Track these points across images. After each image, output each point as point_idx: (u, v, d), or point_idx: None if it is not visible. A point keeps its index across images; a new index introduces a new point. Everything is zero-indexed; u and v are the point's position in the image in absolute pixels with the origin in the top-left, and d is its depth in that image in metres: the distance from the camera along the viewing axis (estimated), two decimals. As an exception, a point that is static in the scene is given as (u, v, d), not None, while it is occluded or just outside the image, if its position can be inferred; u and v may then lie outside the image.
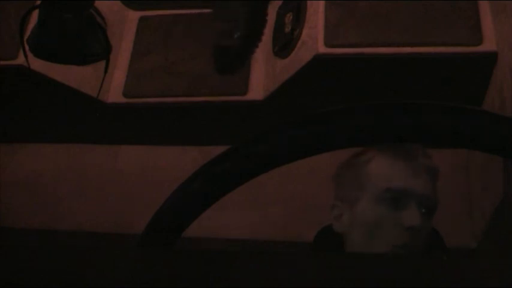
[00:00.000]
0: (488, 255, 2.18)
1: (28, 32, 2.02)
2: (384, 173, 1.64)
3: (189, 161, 2.70)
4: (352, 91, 2.44)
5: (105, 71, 2.02)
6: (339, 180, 1.73)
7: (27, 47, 1.97)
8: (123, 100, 2.72)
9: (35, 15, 2.09)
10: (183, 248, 0.57)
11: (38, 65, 2.30)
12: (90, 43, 1.92)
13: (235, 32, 2.64)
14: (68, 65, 2.09)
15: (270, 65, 2.65)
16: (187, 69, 2.72)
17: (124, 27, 2.87)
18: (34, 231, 2.73)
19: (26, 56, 2.02)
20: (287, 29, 2.61)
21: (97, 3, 2.02)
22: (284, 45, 2.59)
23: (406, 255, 1.47)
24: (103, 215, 2.74)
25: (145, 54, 2.79)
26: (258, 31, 2.71)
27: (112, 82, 2.72)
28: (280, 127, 0.71)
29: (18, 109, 2.72)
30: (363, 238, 1.62)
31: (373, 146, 1.68)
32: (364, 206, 1.63)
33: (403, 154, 1.63)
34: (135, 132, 2.84)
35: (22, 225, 2.74)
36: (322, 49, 2.40)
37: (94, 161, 2.85)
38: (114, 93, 2.72)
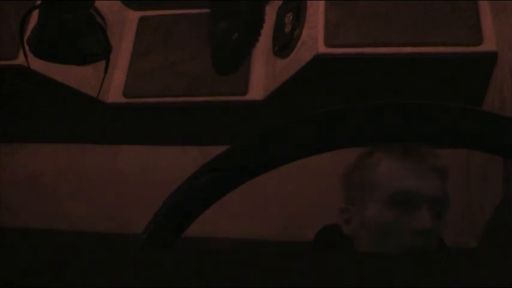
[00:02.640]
0: (488, 255, 2.18)
1: (28, 32, 2.02)
2: (393, 175, 1.61)
3: (189, 161, 2.70)
4: (352, 91, 2.44)
5: (105, 71, 2.02)
6: (348, 182, 1.70)
7: (27, 47, 1.97)
8: (123, 100, 2.72)
9: (35, 15, 2.09)
10: (183, 248, 0.57)
11: (38, 65, 2.30)
12: (90, 43, 1.92)
13: (232, 32, 2.64)
14: (68, 65, 2.09)
15: (270, 65, 2.65)
16: (187, 69, 2.72)
17: (124, 27, 2.87)
18: (34, 231, 2.73)
19: (26, 56, 2.02)
20: (287, 29, 2.61)
21: (97, 3, 2.02)
22: (284, 45, 2.59)
23: (405, 255, 1.47)
24: (103, 215, 2.74)
25: (145, 54, 2.79)
26: (255, 31, 2.71)
27: (112, 82, 2.72)
28: (278, 127, 0.71)
29: (18, 109, 2.72)
30: (374, 242, 1.60)
31: (380, 147, 1.66)
32: (374, 210, 1.60)
33: (411, 155, 1.61)
34: (135, 132, 2.84)
35: (22, 225, 2.74)
36: (322, 49, 2.40)
37: (94, 161, 2.85)
38: (114, 93, 2.72)
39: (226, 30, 2.66)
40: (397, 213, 1.57)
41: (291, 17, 2.62)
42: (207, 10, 2.76)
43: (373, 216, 1.60)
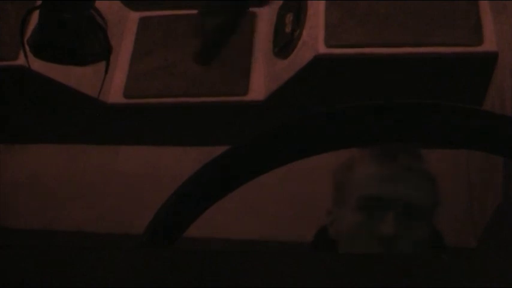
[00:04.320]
0: (488, 255, 2.18)
1: (28, 33, 2.02)
2: (360, 180, 1.59)
3: (189, 162, 2.70)
4: (352, 91, 2.44)
5: (106, 72, 2.02)
6: (333, 185, 1.70)
7: (27, 48, 1.98)
8: (124, 101, 2.72)
9: (35, 16, 2.09)
10: (183, 248, 0.57)
11: (38, 65, 2.30)
12: (90, 43, 1.92)
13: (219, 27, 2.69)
14: (68, 66, 2.09)
15: (270, 66, 2.65)
16: (187, 69, 2.73)
17: (124, 27, 2.87)
18: (34, 232, 2.73)
19: (26, 56, 2.02)
20: (287, 30, 2.61)
21: (97, 3, 2.02)
22: (284, 45, 2.59)
23: (405, 255, 1.47)
24: (103, 215, 2.74)
25: (145, 55, 2.79)
26: (233, 21, 2.74)
27: (112, 83, 2.72)
28: (280, 127, 0.71)
29: (19, 109, 2.72)
30: (345, 245, 1.60)
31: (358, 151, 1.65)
32: (344, 215, 1.60)
33: (382, 158, 1.59)
34: (135, 133, 2.84)
35: (22, 226, 2.74)
36: (323, 49, 2.40)
37: (94, 161, 2.85)
38: (115, 93, 2.72)
39: (214, 26, 2.70)
40: (362, 218, 1.56)
41: (292, 18, 2.62)
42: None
43: (345, 220, 1.60)
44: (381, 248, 1.53)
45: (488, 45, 2.34)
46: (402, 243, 1.54)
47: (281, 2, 2.75)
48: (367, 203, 1.55)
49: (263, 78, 2.67)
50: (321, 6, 2.47)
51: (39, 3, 1.98)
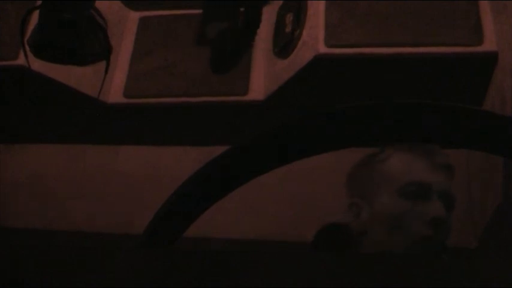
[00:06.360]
0: (488, 255, 2.18)
1: (28, 33, 2.02)
2: (405, 167, 1.63)
3: (189, 162, 2.70)
4: (352, 91, 2.44)
5: (106, 72, 2.02)
6: (356, 178, 1.71)
7: (27, 48, 1.98)
8: (124, 100, 2.72)
9: (35, 16, 2.09)
10: (183, 248, 0.57)
11: (38, 65, 2.30)
12: (90, 43, 1.92)
13: (229, 32, 2.65)
14: (68, 65, 2.09)
15: (270, 66, 2.65)
16: (187, 69, 2.73)
17: (124, 27, 2.87)
18: (34, 231, 2.73)
19: (26, 56, 2.02)
20: (287, 30, 2.61)
21: (97, 3, 2.02)
22: (285, 45, 2.59)
23: (405, 255, 1.47)
24: (103, 215, 2.74)
25: (145, 55, 2.79)
26: (251, 30, 2.71)
27: (113, 82, 2.72)
28: (282, 126, 0.71)
29: (19, 109, 2.72)
30: (385, 233, 1.61)
31: (388, 146, 1.67)
32: (386, 201, 1.61)
33: (420, 151, 1.63)
34: (135, 132, 2.85)
35: (22, 225, 2.74)
36: (323, 49, 2.40)
37: (94, 161, 2.85)
38: (115, 93, 2.72)
39: (223, 31, 2.67)
40: (409, 203, 1.58)
41: (292, 18, 2.62)
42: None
43: (385, 208, 1.61)
44: (429, 231, 1.55)
45: (488, 45, 2.34)
46: (444, 230, 1.57)
47: (281, 2, 2.75)
48: (413, 188, 1.58)
49: (263, 78, 2.67)
50: (321, 6, 2.47)
51: (39, 3, 1.98)
